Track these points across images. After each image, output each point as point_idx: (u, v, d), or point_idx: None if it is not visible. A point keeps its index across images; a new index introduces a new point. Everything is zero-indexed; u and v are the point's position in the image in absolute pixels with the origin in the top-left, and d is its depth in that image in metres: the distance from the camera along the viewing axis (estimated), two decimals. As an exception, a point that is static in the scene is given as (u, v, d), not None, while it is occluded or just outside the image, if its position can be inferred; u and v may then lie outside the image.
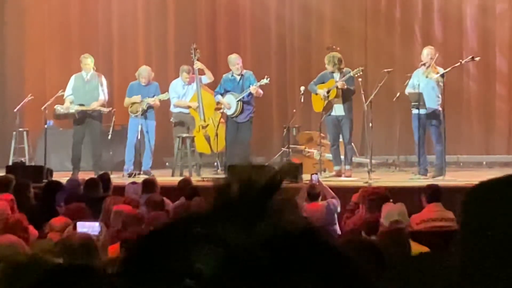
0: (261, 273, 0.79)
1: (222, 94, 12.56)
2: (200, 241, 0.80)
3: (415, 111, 11.54)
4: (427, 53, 11.76)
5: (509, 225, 0.97)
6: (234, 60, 12.60)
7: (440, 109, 11.55)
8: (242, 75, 12.56)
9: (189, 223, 0.83)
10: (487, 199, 1.01)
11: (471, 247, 1.00)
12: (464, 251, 1.00)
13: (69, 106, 12.88)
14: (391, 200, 7.49)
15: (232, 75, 12.62)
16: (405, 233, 5.49)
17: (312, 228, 0.86)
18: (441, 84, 11.53)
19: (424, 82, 11.55)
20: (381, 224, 6.64)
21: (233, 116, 12.46)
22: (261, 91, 12.51)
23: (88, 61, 13.05)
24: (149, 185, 9.00)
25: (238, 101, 12.39)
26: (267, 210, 0.83)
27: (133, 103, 12.86)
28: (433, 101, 11.53)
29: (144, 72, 13.02)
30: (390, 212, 7.00)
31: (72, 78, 13.14)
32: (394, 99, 12.51)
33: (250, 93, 12.41)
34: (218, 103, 12.76)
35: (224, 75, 12.82)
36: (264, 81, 12.40)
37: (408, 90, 11.83)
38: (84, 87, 12.98)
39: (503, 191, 1.02)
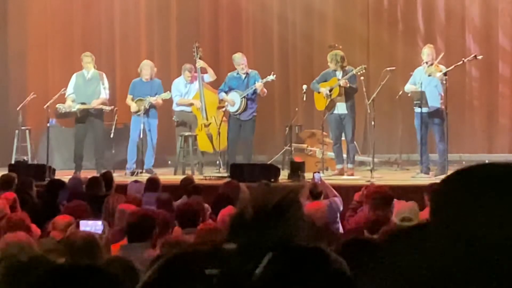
0: None
1: (226, 92, 12.56)
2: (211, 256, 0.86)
3: (417, 109, 11.53)
4: (427, 51, 11.76)
5: (477, 217, 0.97)
6: (239, 59, 12.60)
7: (443, 107, 11.54)
8: (247, 73, 12.56)
9: (203, 256, 0.91)
10: (457, 190, 1.01)
11: (440, 238, 1.00)
12: (434, 242, 1.00)
13: (71, 104, 12.88)
14: (394, 200, 7.49)
15: (237, 73, 12.62)
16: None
17: (321, 251, 0.91)
18: (444, 82, 11.52)
19: (427, 80, 11.53)
20: (391, 221, 6.66)
21: (236, 113, 12.45)
22: (265, 90, 12.50)
23: (89, 59, 13.05)
24: (153, 183, 9.00)
25: (242, 98, 12.39)
26: (278, 232, 0.90)
27: (136, 101, 12.86)
28: (436, 100, 11.52)
29: (146, 66, 13.01)
30: (401, 209, 7.02)
31: (74, 76, 13.15)
32: (397, 98, 12.51)
33: (255, 91, 12.40)
34: (221, 101, 12.76)
35: (229, 73, 12.82)
36: (271, 77, 12.39)
37: (408, 87, 11.81)
38: (86, 86, 12.98)
39: (473, 181, 1.02)
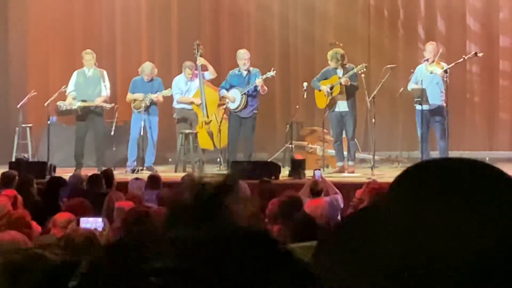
0: (208, 269, 0.84)
1: (227, 89, 12.57)
2: (156, 243, 0.86)
3: (418, 107, 11.54)
4: (429, 49, 11.76)
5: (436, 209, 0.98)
6: (243, 55, 12.62)
7: (444, 105, 11.55)
8: (248, 71, 12.56)
9: (146, 231, 0.88)
10: (419, 180, 1.03)
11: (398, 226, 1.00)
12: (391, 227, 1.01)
13: (72, 102, 12.89)
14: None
15: (238, 71, 12.63)
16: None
17: (259, 231, 0.90)
18: (445, 79, 11.53)
19: (428, 78, 11.54)
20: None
21: (237, 110, 12.46)
22: (266, 88, 12.51)
23: (90, 57, 13.06)
24: (154, 181, 9.01)
25: (243, 94, 12.39)
26: (217, 212, 0.89)
27: (136, 100, 12.87)
28: (437, 97, 11.52)
29: (147, 68, 13.02)
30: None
31: (74, 74, 13.15)
32: (397, 95, 12.52)
33: (256, 88, 12.40)
34: (222, 98, 12.76)
35: (230, 71, 12.84)
36: (270, 73, 12.40)
37: (410, 86, 11.83)
38: (86, 83, 12.98)
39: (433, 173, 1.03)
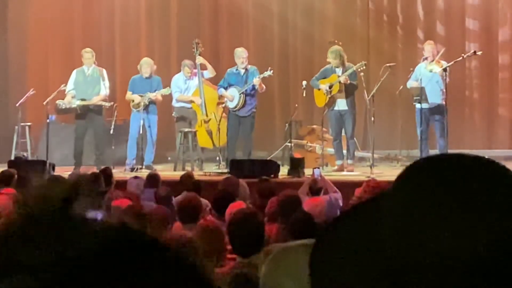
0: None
1: (225, 88, 12.56)
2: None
3: (417, 105, 11.53)
4: (428, 48, 11.76)
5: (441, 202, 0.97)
6: (240, 53, 12.61)
7: (444, 103, 11.54)
8: (246, 69, 12.55)
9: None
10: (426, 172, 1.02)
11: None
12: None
13: (71, 100, 12.88)
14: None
15: (236, 69, 12.62)
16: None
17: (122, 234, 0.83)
18: (445, 78, 11.52)
19: (428, 76, 11.53)
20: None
21: (235, 109, 12.45)
22: (264, 86, 12.50)
23: (89, 56, 13.06)
24: (153, 179, 9.00)
25: (241, 93, 12.39)
26: (64, 227, 0.81)
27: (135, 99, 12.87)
28: (437, 96, 11.52)
29: (146, 63, 13.01)
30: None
31: (74, 72, 13.15)
32: (397, 93, 12.51)
33: (254, 87, 12.39)
34: (220, 97, 12.76)
35: (228, 69, 12.83)
36: (268, 73, 12.39)
37: (410, 84, 11.82)
38: (85, 82, 12.98)
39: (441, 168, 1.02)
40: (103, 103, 12.89)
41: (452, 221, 0.95)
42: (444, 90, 11.57)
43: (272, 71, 12.46)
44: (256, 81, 12.31)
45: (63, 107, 12.95)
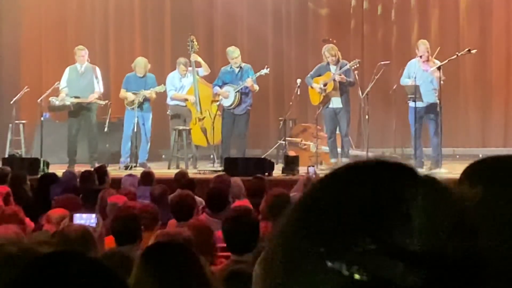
0: None
1: (220, 87, 12.54)
2: None
3: (411, 103, 11.54)
4: (421, 47, 11.76)
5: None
6: (232, 53, 12.56)
7: (438, 101, 11.55)
8: (241, 67, 12.53)
9: None
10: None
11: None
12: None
13: (64, 98, 12.86)
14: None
15: (230, 67, 12.59)
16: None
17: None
18: (439, 76, 11.53)
19: (422, 75, 11.54)
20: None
21: (231, 107, 12.44)
22: (256, 87, 12.45)
23: (82, 53, 13.04)
24: (147, 177, 9.00)
25: (236, 92, 12.37)
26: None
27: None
28: (431, 95, 11.53)
29: (141, 63, 13.00)
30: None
31: (67, 70, 13.13)
32: (391, 92, 12.52)
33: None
34: (215, 95, 12.74)
35: (222, 68, 12.81)
36: (264, 71, 12.37)
37: (403, 81, 11.82)
38: (79, 79, 12.97)
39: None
40: (97, 101, 12.87)
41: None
42: (438, 88, 11.58)
43: (268, 69, 12.44)
44: (248, 82, 12.28)
45: (56, 104, 12.93)
